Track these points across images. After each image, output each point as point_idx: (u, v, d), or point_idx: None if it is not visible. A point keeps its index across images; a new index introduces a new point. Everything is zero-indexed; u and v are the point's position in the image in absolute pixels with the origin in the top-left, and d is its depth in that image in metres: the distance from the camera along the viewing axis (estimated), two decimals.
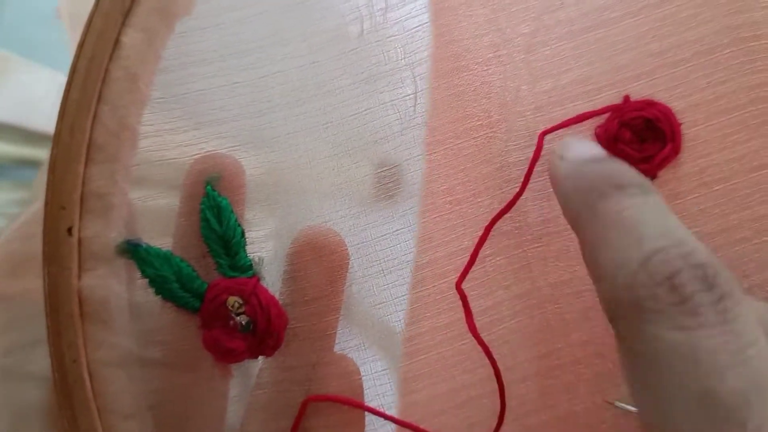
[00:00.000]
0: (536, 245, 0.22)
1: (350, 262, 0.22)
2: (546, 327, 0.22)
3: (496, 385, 0.21)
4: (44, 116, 0.63)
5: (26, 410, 0.31)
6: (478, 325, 0.22)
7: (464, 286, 0.22)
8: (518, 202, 0.22)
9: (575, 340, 0.22)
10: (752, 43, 0.22)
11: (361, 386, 0.22)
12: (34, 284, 0.33)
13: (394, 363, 0.23)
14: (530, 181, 0.22)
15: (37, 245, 0.33)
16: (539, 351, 0.22)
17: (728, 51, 0.22)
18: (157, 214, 0.22)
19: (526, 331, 0.22)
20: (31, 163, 0.66)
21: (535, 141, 0.22)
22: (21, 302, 0.33)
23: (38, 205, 0.37)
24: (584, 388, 0.22)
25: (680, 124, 0.22)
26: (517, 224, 0.22)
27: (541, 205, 0.22)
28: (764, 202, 0.21)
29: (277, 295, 0.22)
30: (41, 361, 0.31)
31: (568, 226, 0.22)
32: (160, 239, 0.22)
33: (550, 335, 0.22)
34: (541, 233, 0.22)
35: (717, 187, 0.22)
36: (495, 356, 0.22)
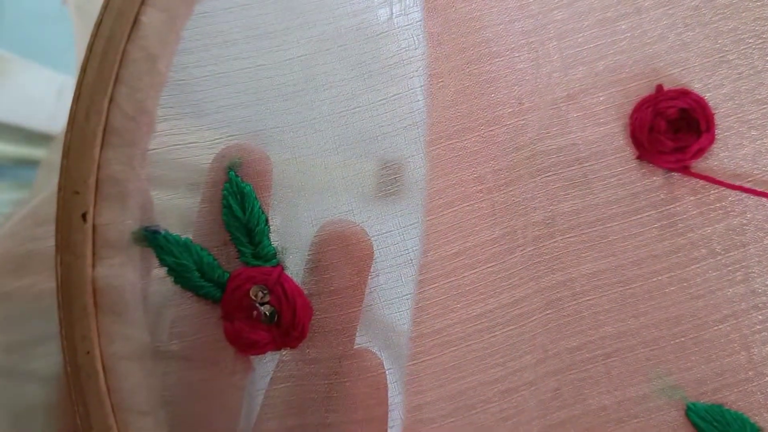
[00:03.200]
0: (569, 235, 0.21)
1: (376, 252, 0.21)
2: (578, 319, 0.21)
3: (529, 378, 0.20)
4: (44, 116, 0.61)
5: (27, 409, 0.29)
6: (505, 318, 0.21)
7: (490, 278, 0.21)
8: (551, 191, 0.21)
9: (607, 333, 0.21)
10: None
11: (385, 380, 0.20)
12: (35, 282, 0.31)
13: (409, 355, 0.21)
14: (564, 169, 0.21)
15: (38, 246, 0.32)
16: (570, 343, 0.21)
17: (762, 41, 0.21)
18: (175, 201, 0.21)
19: (557, 323, 0.21)
20: (31, 163, 0.64)
21: (568, 128, 0.21)
22: (21, 300, 0.31)
23: (37, 201, 0.35)
24: (615, 381, 0.21)
25: (714, 114, 0.21)
26: (550, 214, 0.21)
27: (573, 195, 0.21)
28: None
29: (300, 285, 0.20)
30: (42, 360, 0.30)
31: (601, 216, 0.21)
32: (179, 227, 0.20)
33: (581, 327, 0.21)
34: (574, 223, 0.21)
35: (748, 180, 0.21)
36: (526, 348, 0.21)
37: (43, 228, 0.32)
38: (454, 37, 0.21)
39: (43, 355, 0.31)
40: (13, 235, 0.33)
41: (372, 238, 0.21)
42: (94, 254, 0.19)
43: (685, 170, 0.20)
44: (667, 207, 0.21)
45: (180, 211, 0.21)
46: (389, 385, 0.20)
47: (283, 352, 0.20)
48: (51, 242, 0.19)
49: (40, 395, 0.30)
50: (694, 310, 0.21)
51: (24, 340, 0.31)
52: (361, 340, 0.20)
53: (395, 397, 0.21)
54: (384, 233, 0.21)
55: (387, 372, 0.20)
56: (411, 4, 0.21)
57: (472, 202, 0.21)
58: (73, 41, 0.47)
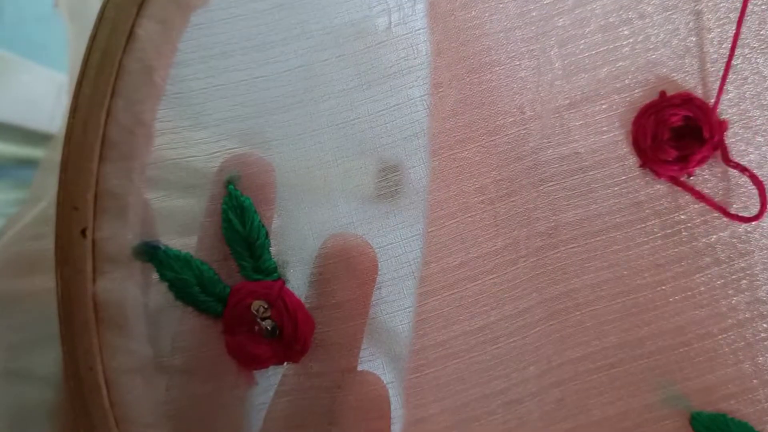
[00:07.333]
0: (572, 245, 0.21)
1: (379, 265, 0.20)
2: (581, 330, 0.21)
3: (533, 389, 0.20)
4: (44, 116, 0.61)
5: (29, 411, 0.29)
6: (508, 330, 0.21)
7: (493, 289, 0.21)
8: (554, 201, 0.20)
9: (611, 343, 0.21)
10: None
11: (387, 393, 0.20)
12: (38, 285, 0.31)
13: (412, 368, 0.21)
14: (567, 179, 0.20)
15: (42, 246, 0.32)
16: (574, 354, 0.21)
17: (767, 45, 0.20)
18: (175, 215, 0.20)
19: (560, 334, 0.21)
20: (31, 163, 0.63)
21: (570, 137, 0.20)
22: (24, 303, 0.31)
23: (42, 204, 0.35)
24: (619, 392, 0.21)
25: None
26: (552, 224, 0.21)
27: (576, 204, 0.21)
28: None
29: (302, 299, 0.20)
30: (45, 363, 0.30)
31: (606, 226, 0.21)
32: (178, 241, 0.20)
33: (585, 338, 0.21)
34: (577, 233, 0.21)
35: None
36: (529, 359, 0.20)
37: (51, 229, 0.32)
38: (454, 45, 0.21)
39: (45, 358, 0.30)
40: (16, 239, 0.33)
41: (377, 249, 0.20)
42: (94, 269, 0.19)
43: (677, 181, 0.20)
44: (671, 215, 0.21)
45: (180, 224, 0.21)
46: (392, 398, 0.20)
47: (286, 366, 0.20)
48: None
49: (42, 397, 0.29)
50: (699, 319, 0.21)
51: (26, 343, 0.31)
52: (364, 353, 0.20)
53: (398, 410, 0.20)
54: (386, 245, 0.20)
55: (390, 385, 0.20)
56: (410, 13, 0.20)
57: (474, 213, 0.21)
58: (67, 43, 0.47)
